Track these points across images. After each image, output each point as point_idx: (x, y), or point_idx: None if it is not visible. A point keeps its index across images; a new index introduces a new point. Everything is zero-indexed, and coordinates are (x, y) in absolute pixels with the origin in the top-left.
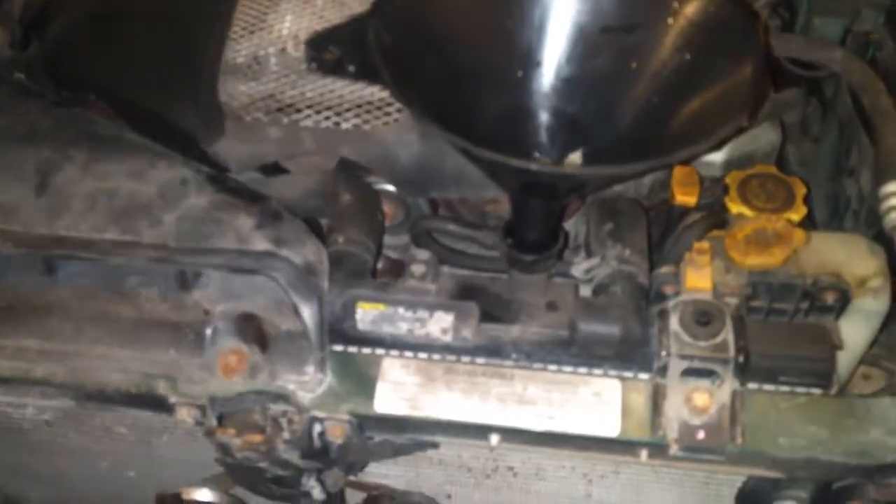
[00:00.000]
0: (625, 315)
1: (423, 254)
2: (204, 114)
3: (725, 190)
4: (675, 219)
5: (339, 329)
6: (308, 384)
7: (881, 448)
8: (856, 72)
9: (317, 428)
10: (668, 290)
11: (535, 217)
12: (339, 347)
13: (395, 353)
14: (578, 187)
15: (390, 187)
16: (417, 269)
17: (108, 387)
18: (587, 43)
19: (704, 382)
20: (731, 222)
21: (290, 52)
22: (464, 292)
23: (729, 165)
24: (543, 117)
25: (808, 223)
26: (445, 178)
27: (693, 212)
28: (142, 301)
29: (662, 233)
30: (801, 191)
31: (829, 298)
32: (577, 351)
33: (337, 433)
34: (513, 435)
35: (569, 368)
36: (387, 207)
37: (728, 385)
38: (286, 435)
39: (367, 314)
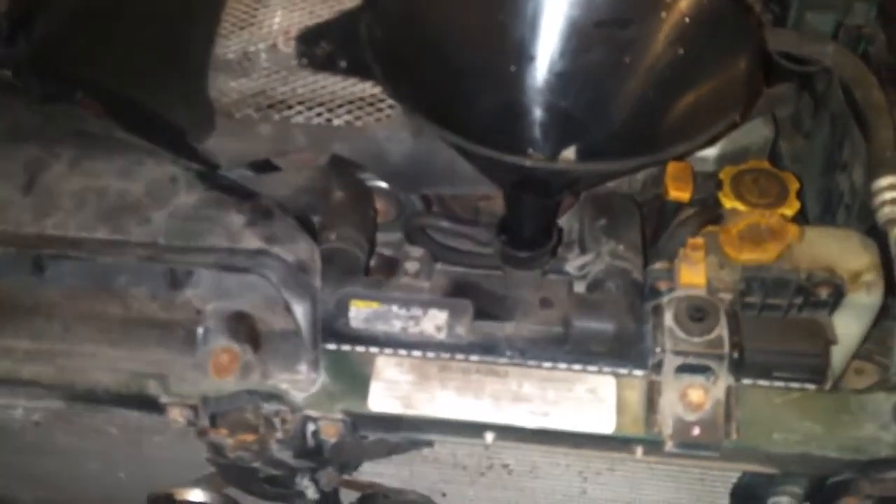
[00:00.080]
0: (619, 311)
1: (417, 251)
2: (194, 111)
3: (719, 185)
4: (669, 214)
5: (332, 327)
6: (301, 383)
7: (875, 443)
8: (848, 66)
9: (310, 427)
10: (663, 285)
11: (529, 213)
12: (332, 346)
13: (388, 351)
14: (572, 183)
15: (383, 184)
16: (411, 266)
17: (98, 387)
18: (580, 37)
19: (699, 378)
20: (724, 217)
21: (280, 49)
22: (458, 289)
23: (722, 160)
24: (537, 113)
25: (801, 218)
26: (438, 175)
27: (687, 207)
28: (132, 300)
29: (656, 228)
30: (794, 186)
31: (823, 293)
32: (571, 348)
33: (330, 432)
34: (508, 433)
35: (563, 365)
36: (379, 204)
37: (723, 381)
38: (279, 434)
39: (360, 312)
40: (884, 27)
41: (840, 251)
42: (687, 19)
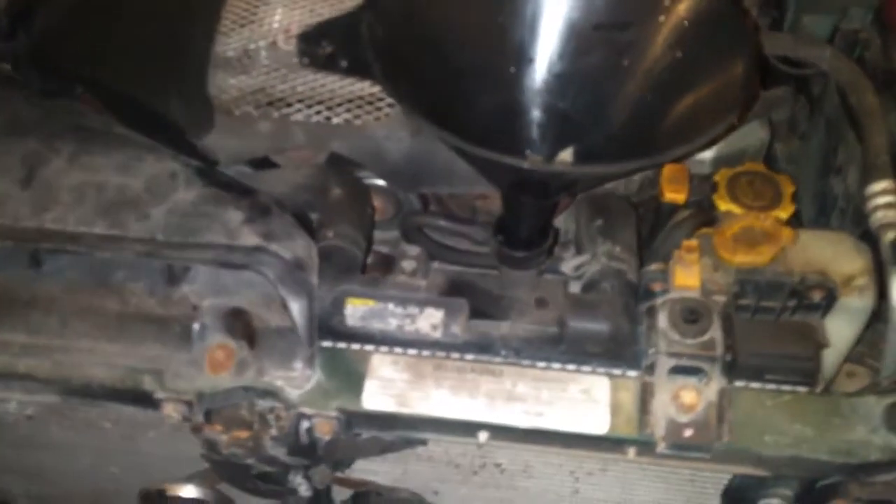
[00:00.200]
0: (614, 312)
1: (413, 250)
2: (193, 107)
3: (714, 187)
4: (665, 216)
5: (328, 325)
6: (296, 380)
7: (865, 446)
8: (843, 70)
9: (304, 424)
10: (657, 287)
11: (526, 214)
12: (327, 343)
13: (384, 349)
14: (570, 185)
15: (381, 182)
16: (407, 264)
17: (93, 381)
18: (580, 39)
19: (692, 380)
20: (719, 220)
21: (280, 46)
22: (454, 288)
23: (718, 163)
24: (535, 114)
25: (796, 220)
26: (436, 174)
27: (682, 209)
28: (129, 295)
29: (651, 229)
30: (788, 189)
31: (816, 297)
32: (566, 348)
33: (325, 430)
34: (501, 432)
35: (558, 365)
36: (377, 202)
37: (715, 383)
38: (273, 431)
39: (356, 310)
40: (880, 32)
41: (833, 255)
42: (685, 22)
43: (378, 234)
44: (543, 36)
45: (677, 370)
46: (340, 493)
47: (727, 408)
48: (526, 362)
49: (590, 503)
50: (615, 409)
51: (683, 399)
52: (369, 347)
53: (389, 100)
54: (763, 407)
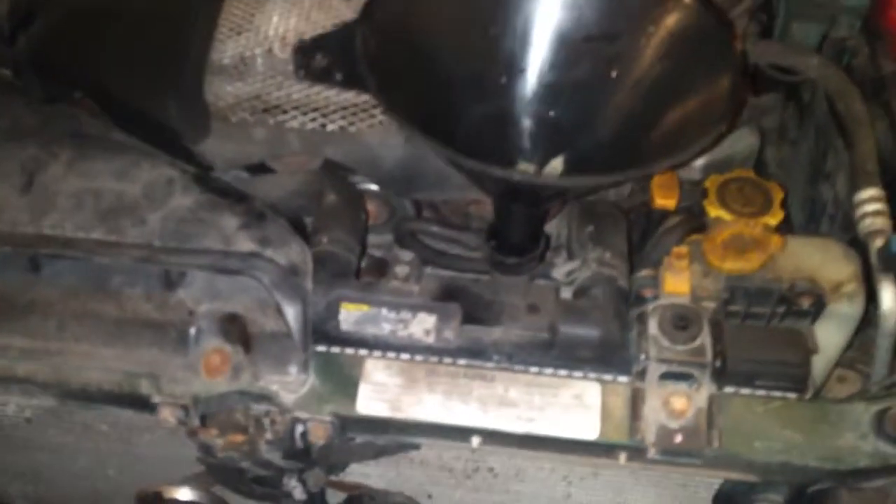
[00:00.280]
0: (605, 318)
1: (407, 255)
2: (190, 113)
3: (704, 193)
4: (655, 221)
5: (322, 329)
6: (291, 385)
7: (854, 453)
8: (831, 78)
9: (299, 428)
10: (647, 293)
11: (517, 221)
12: (322, 348)
13: (377, 353)
14: (559, 194)
15: (375, 187)
16: (401, 270)
17: (90, 385)
18: (569, 50)
19: (682, 386)
20: (709, 226)
21: (276, 54)
22: (446, 293)
23: (708, 169)
24: (526, 123)
25: (786, 226)
26: (429, 180)
27: (672, 215)
28: (126, 300)
29: (642, 235)
30: (778, 195)
31: (805, 303)
32: (557, 353)
33: (319, 434)
34: (493, 437)
35: (549, 371)
36: (371, 206)
37: (705, 389)
38: (268, 435)
39: (350, 315)
40: (868, 40)
41: (822, 261)
42: (672, 36)
43: (372, 238)
44: (534, 47)
45: (667, 376)
46: (334, 497)
47: (717, 414)
48: (518, 367)
49: None
50: (606, 414)
51: (674, 405)
52: (363, 352)
53: None
54: (753, 413)
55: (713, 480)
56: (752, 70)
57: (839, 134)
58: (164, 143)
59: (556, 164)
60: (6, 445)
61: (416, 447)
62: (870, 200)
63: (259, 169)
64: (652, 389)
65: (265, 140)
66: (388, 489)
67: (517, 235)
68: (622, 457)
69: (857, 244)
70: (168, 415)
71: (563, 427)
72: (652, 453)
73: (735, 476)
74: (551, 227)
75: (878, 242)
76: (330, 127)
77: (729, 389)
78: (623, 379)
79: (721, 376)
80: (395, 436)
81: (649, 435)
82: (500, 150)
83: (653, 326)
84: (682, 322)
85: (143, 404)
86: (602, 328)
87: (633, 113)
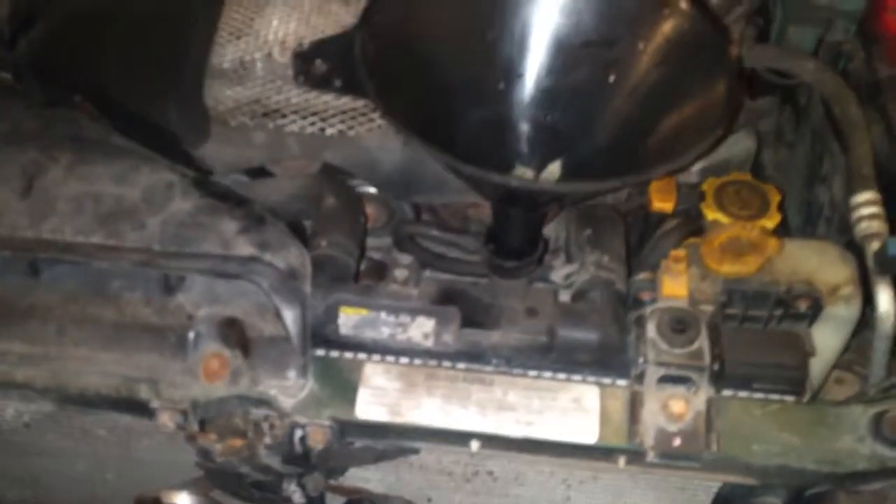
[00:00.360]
0: (603, 322)
1: (406, 258)
2: (190, 117)
3: (702, 196)
4: (653, 225)
5: (321, 333)
6: (290, 389)
7: (852, 456)
8: (827, 82)
9: (298, 433)
10: (645, 296)
11: (516, 225)
12: (321, 352)
13: (376, 357)
14: (557, 199)
15: (373, 190)
16: (400, 273)
17: (89, 390)
18: (567, 56)
19: (680, 389)
20: (706, 229)
21: (276, 58)
22: (445, 297)
23: (705, 172)
24: (524, 127)
25: (783, 228)
26: (428, 184)
27: (670, 218)
28: (125, 304)
29: (640, 238)
30: (775, 198)
31: (802, 306)
32: (556, 357)
33: (318, 438)
34: (493, 441)
35: (548, 374)
36: (370, 209)
37: (703, 392)
38: (267, 440)
39: (349, 319)
40: (863, 44)
41: (819, 264)
42: (669, 41)
43: (371, 241)
44: (532, 52)
45: (666, 379)
46: (334, 501)
47: (715, 417)
48: (516, 371)
49: None
50: (605, 418)
51: (672, 408)
52: (362, 356)
53: None
54: (751, 416)
55: (712, 483)
56: (748, 74)
57: (835, 137)
58: (164, 147)
59: (554, 169)
60: (5, 450)
61: (416, 451)
62: (866, 204)
63: (258, 173)
64: (650, 393)
65: (264, 144)
66: (387, 493)
67: (516, 239)
68: (621, 460)
69: (854, 247)
70: (167, 419)
71: (561, 431)
72: (651, 457)
73: (733, 479)
74: (549, 231)
75: (875, 245)
76: (329, 131)
77: (727, 392)
78: (621, 382)
79: (719, 379)
80: (395, 440)
81: (648, 438)
82: (498, 155)
83: (651, 330)
84: (680, 325)
85: (141, 409)
86: (600, 331)
87: (630, 118)
